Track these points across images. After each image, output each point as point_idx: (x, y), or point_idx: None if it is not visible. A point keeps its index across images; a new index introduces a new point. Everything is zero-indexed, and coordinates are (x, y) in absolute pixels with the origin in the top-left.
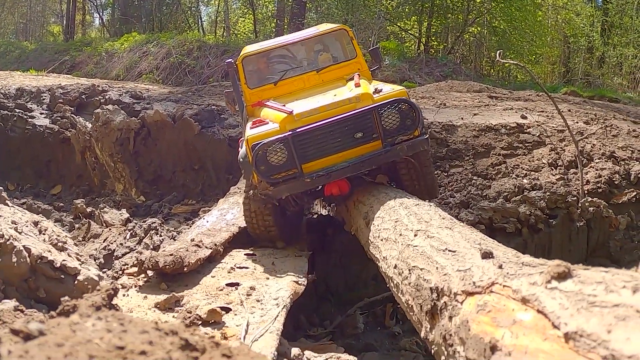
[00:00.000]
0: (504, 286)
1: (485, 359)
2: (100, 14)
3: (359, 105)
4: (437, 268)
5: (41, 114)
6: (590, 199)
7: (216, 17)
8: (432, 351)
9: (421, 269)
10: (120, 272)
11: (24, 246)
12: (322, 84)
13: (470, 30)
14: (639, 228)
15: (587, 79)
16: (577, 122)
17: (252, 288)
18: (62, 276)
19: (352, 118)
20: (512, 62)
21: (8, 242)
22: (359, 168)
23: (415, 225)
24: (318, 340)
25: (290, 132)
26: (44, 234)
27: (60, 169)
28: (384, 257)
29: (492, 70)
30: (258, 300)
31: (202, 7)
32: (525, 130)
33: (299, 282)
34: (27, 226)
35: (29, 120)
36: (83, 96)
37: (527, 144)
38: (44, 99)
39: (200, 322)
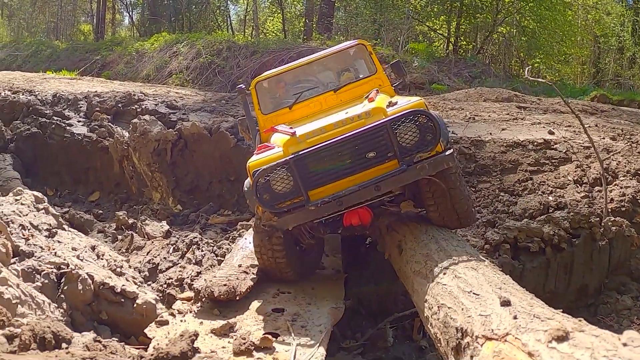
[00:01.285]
0: (515, 338)
1: None
2: (130, 13)
3: (370, 121)
4: (462, 309)
5: (79, 121)
6: (613, 218)
7: (245, 16)
8: None
9: (448, 308)
10: (166, 287)
11: (87, 273)
12: (340, 104)
13: (499, 30)
14: None
15: (618, 79)
16: (604, 138)
17: (297, 314)
18: (122, 300)
19: (361, 135)
20: (541, 80)
21: (74, 272)
22: (372, 192)
23: (444, 263)
24: (351, 352)
25: (293, 156)
26: (102, 259)
27: (99, 176)
28: (415, 290)
29: (521, 70)
30: (302, 327)
31: (231, 6)
32: (552, 147)
33: (338, 308)
34: (86, 251)
35: (67, 128)
36: (119, 105)
37: (553, 161)
38: (80, 107)
39: (253, 348)
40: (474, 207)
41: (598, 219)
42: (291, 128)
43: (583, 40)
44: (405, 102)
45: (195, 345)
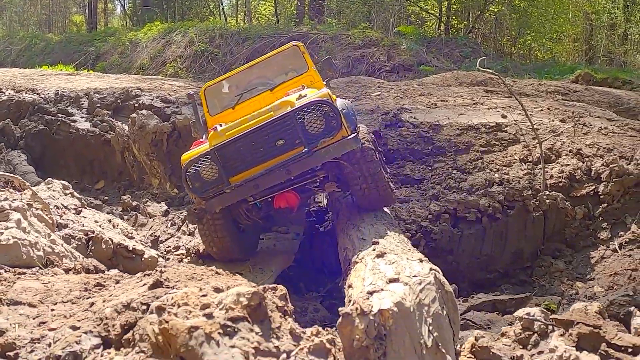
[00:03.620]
0: (359, 260)
1: None
2: (122, 2)
3: (278, 113)
4: (353, 248)
5: (82, 117)
6: (548, 192)
7: (237, 1)
8: None
9: (347, 248)
10: (165, 253)
11: (108, 237)
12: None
13: (490, 9)
14: (594, 218)
15: (610, 56)
16: (553, 121)
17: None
18: (134, 256)
19: (269, 125)
20: (489, 71)
21: (98, 236)
22: (283, 175)
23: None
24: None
25: (213, 147)
26: (116, 228)
27: (103, 167)
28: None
29: (513, 48)
30: (260, 268)
31: None
32: (503, 129)
33: (288, 257)
34: (105, 223)
35: (72, 124)
36: (118, 100)
37: (503, 142)
38: (82, 104)
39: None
40: (392, 188)
41: (531, 192)
42: (220, 125)
43: (575, 18)
44: (313, 95)
45: None
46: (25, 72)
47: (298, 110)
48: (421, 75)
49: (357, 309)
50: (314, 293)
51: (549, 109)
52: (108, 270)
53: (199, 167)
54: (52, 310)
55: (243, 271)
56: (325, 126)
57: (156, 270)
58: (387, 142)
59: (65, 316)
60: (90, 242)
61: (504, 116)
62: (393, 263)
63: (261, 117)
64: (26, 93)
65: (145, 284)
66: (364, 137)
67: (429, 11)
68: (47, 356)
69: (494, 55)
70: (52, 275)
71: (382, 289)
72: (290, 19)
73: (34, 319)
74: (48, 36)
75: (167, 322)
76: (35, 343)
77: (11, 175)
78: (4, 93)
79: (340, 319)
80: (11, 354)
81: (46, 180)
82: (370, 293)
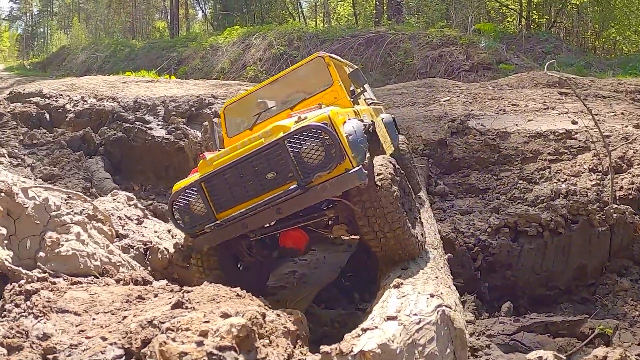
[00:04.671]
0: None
1: None
2: (202, 8)
3: (267, 140)
4: None
5: (158, 125)
6: (615, 206)
7: (315, 3)
8: None
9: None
10: None
11: (164, 247)
12: None
13: (572, 1)
14: None
15: None
16: (627, 126)
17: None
18: (188, 265)
19: (256, 155)
20: (556, 75)
21: (155, 246)
22: (273, 214)
23: None
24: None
25: (199, 178)
26: (174, 238)
27: (177, 172)
28: None
29: (597, 42)
30: (304, 282)
31: None
32: (572, 136)
33: (334, 271)
34: (164, 233)
35: (148, 131)
36: (192, 108)
37: (572, 150)
38: (158, 112)
39: None
40: (416, 235)
41: (598, 205)
42: (218, 150)
43: None
44: (313, 117)
45: None
46: (108, 80)
47: (288, 137)
48: (501, 74)
49: (336, 348)
50: (366, 304)
51: (622, 113)
52: (157, 281)
53: (188, 199)
54: (93, 319)
55: (287, 284)
56: (323, 157)
57: (182, 290)
58: (453, 151)
59: (102, 326)
60: (148, 252)
61: (574, 122)
62: (403, 297)
63: (251, 145)
64: (107, 101)
65: (170, 303)
66: (380, 168)
67: (509, 6)
68: None
69: (577, 51)
70: (104, 285)
71: (376, 327)
72: (369, 19)
73: (76, 326)
74: (132, 43)
75: (165, 344)
76: (72, 349)
77: (73, 192)
78: (86, 101)
79: (319, 358)
80: (51, 357)
81: (112, 192)
82: (364, 330)
